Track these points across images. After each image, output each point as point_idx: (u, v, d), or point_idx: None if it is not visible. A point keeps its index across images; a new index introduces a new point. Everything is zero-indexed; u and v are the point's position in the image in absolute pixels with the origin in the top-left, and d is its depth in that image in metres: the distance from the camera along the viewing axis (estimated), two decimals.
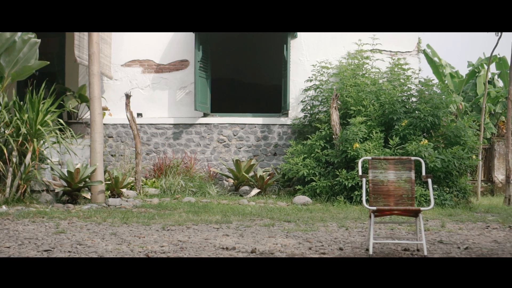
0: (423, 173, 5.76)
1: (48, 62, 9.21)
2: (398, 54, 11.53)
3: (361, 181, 6.19)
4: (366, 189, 5.47)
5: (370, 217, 5.35)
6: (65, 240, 5.67)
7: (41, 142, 8.61)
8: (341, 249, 5.51)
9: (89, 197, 8.89)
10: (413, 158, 5.60)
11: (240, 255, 5.09)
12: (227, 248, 5.38)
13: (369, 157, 5.61)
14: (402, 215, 5.64)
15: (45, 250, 5.11)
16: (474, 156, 10.21)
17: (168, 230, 6.47)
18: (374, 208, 5.27)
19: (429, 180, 5.59)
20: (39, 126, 8.44)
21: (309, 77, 11.20)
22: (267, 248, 5.41)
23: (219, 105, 12.85)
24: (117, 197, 9.32)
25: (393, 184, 5.51)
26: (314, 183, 9.84)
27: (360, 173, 5.80)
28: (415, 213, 5.38)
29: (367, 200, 5.49)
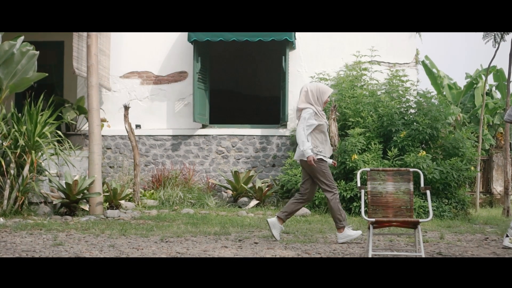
0: (422, 184, 5.76)
1: (47, 74, 9.20)
2: (397, 66, 11.55)
3: (360, 193, 6.18)
4: (365, 201, 5.47)
5: (369, 228, 5.34)
6: (63, 252, 5.64)
7: (39, 154, 8.59)
8: None
9: (87, 209, 8.86)
10: (411, 169, 5.60)
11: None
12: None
13: (368, 169, 5.61)
14: (401, 227, 5.63)
15: None
16: (472, 168, 10.21)
17: (166, 242, 6.45)
18: (373, 219, 5.26)
19: (428, 192, 5.59)
20: (37, 138, 8.43)
21: None
22: None
23: (218, 116, 12.85)
24: (116, 209, 9.29)
25: (392, 195, 5.50)
26: None
27: (358, 184, 5.81)
28: (414, 225, 5.37)
29: (365, 212, 5.47)
